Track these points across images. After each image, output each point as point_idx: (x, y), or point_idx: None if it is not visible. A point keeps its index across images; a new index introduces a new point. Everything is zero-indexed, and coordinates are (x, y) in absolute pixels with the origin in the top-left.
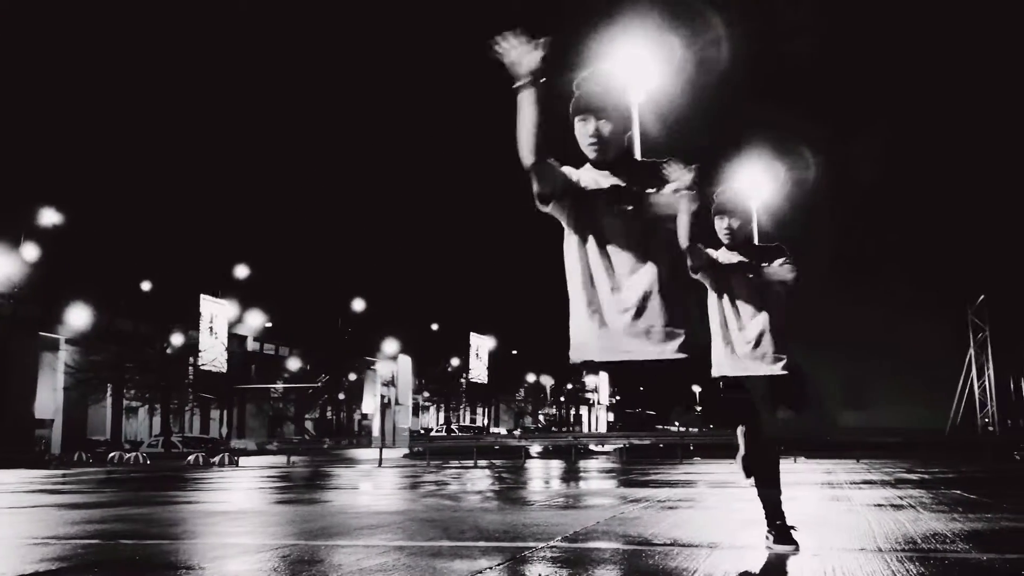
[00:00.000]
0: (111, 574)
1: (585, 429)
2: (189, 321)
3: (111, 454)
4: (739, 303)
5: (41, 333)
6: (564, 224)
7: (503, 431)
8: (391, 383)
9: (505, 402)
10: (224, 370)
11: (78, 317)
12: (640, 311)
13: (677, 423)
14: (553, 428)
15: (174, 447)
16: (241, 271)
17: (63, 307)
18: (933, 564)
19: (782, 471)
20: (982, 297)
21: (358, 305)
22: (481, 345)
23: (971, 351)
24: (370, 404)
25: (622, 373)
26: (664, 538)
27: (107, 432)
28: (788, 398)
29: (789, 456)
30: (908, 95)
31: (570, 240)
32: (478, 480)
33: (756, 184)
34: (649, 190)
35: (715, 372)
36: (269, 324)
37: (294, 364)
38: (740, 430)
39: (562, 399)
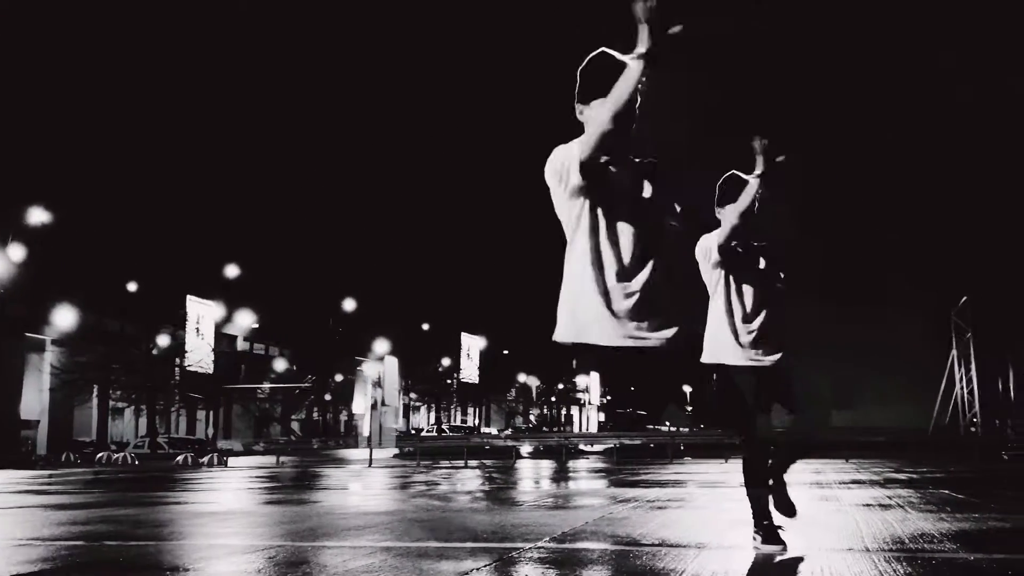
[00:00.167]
0: None
1: (576, 429)
2: (176, 322)
3: (99, 454)
4: (745, 292)
5: (27, 334)
6: (580, 200)
7: (494, 431)
8: (379, 384)
9: (496, 402)
10: (211, 371)
11: (64, 318)
12: (645, 300)
13: (668, 423)
14: (544, 428)
15: (160, 448)
16: (232, 270)
17: (49, 308)
18: (921, 564)
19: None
20: (964, 299)
21: (349, 305)
22: (472, 345)
23: (953, 352)
24: (360, 404)
25: (618, 364)
26: (652, 538)
27: (93, 433)
28: (781, 397)
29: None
30: (888, 95)
31: (583, 220)
32: (468, 480)
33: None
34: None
35: (715, 360)
36: (257, 325)
37: (281, 365)
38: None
39: (553, 399)
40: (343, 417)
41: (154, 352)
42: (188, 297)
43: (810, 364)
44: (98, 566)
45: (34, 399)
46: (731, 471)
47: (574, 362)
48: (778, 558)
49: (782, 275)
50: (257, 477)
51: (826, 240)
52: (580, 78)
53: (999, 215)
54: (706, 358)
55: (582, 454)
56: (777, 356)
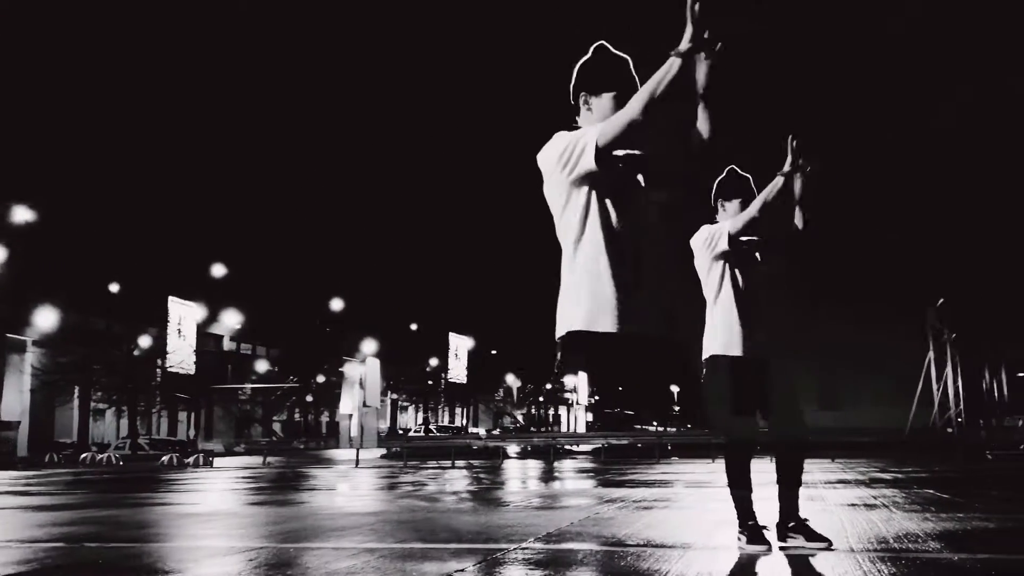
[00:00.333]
0: None
1: (564, 429)
2: (158, 323)
3: (82, 455)
4: (748, 287)
5: (8, 335)
6: (586, 188)
7: (482, 431)
8: (361, 384)
9: (484, 402)
10: (192, 372)
11: (46, 319)
12: (654, 292)
13: (655, 423)
14: (532, 428)
15: (141, 449)
16: (218, 270)
17: (31, 309)
18: (905, 564)
19: (757, 471)
20: (941, 300)
21: (337, 305)
22: (460, 345)
23: (930, 354)
24: (348, 405)
25: (613, 360)
26: (638, 539)
27: (74, 434)
28: (766, 398)
29: (764, 456)
30: (872, 97)
31: (591, 209)
32: (454, 481)
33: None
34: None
35: (715, 351)
36: (239, 325)
37: (262, 366)
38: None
39: (541, 399)
40: (324, 418)
41: (135, 353)
42: (169, 298)
43: (795, 365)
44: (77, 568)
45: (15, 400)
46: (717, 471)
47: (555, 365)
48: (763, 558)
49: (785, 274)
50: (243, 478)
51: (817, 241)
52: (581, 70)
53: (978, 217)
54: (704, 352)
55: (570, 454)
56: (775, 354)
